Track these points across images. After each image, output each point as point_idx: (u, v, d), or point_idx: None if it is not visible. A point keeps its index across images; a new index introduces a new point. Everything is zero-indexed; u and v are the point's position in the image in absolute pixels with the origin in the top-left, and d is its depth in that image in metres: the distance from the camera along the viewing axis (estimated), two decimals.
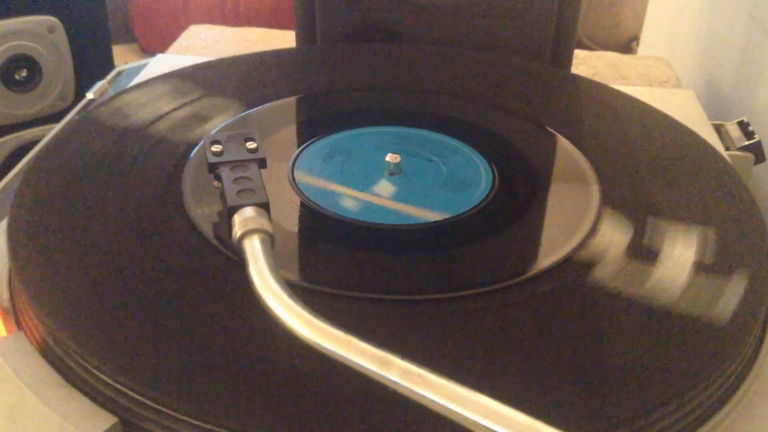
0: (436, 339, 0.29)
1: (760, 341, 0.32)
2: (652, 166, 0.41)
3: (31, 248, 0.33)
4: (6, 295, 0.34)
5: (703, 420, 0.28)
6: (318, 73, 0.52)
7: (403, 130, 0.45)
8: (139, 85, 0.49)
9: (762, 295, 0.32)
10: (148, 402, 0.26)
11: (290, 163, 0.40)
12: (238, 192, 0.33)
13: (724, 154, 0.45)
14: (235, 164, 0.35)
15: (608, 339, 0.29)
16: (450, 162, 0.41)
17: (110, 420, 0.27)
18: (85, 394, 0.28)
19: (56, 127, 0.50)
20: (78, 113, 0.52)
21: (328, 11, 0.55)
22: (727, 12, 0.68)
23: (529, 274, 0.33)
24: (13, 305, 0.33)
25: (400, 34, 0.56)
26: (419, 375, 0.24)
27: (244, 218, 0.31)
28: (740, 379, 0.30)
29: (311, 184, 0.39)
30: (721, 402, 0.29)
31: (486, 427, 0.22)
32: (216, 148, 0.36)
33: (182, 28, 0.75)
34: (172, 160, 0.40)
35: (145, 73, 0.56)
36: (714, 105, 0.67)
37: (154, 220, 0.35)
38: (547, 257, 0.34)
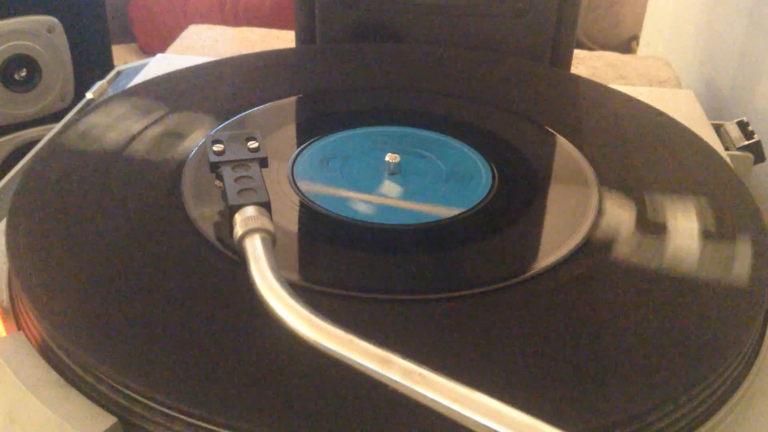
0: (436, 339, 0.29)
1: (760, 341, 0.32)
2: (651, 166, 0.41)
3: (30, 249, 0.33)
4: (6, 295, 0.34)
5: (703, 420, 0.28)
6: (318, 73, 0.52)
7: (403, 130, 0.45)
8: (139, 85, 0.49)
9: (761, 295, 0.32)
10: (147, 402, 0.26)
11: (290, 162, 0.40)
12: (240, 191, 0.33)
13: (724, 154, 0.45)
14: (237, 163, 0.35)
15: (608, 339, 0.29)
16: (449, 162, 0.41)
17: (110, 420, 0.27)
18: (85, 394, 0.28)
19: (56, 127, 0.50)
20: (77, 113, 0.52)
21: (328, 11, 0.55)
22: (727, 12, 0.68)
23: (529, 273, 0.33)
24: (13, 305, 0.33)
25: (400, 34, 0.56)
26: (420, 374, 0.24)
27: (246, 217, 0.31)
28: (740, 379, 0.30)
29: (311, 184, 0.39)
30: (721, 402, 0.29)
31: (486, 427, 0.22)
32: (218, 147, 0.36)
33: (182, 28, 0.75)
34: (173, 160, 0.40)
35: (144, 73, 0.56)
36: (714, 105, 0.67)
37: (154, 220, 0.35)
38: (547, 257, 0.34)
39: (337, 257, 0.34)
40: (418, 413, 0.24)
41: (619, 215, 0.37)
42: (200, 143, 0.41)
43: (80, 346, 0.28)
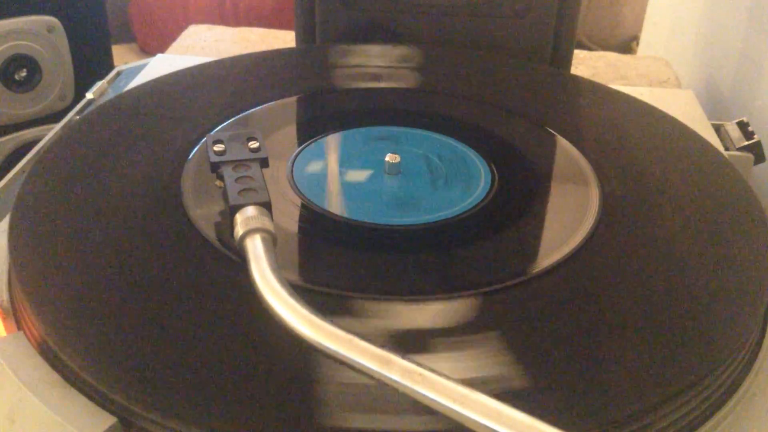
0: (437, 339, 0.29)
1: (760, 341, 0.32)
2: (652, 166, 0.41)
3: (31, 249, 0.33)
4: (6, 295, 0.34)
5: (703, 420, 0.28)
6: (318, 73, 0.52)
7: (403, 130, 0.45)
8: (139, 86, 0.49)
9: (762, 294, 0.32)
10: (147, 402, 0.26)
11: (290, 162, 0.41)
12: (240, 191, 0.33)
13: (724, 154, 0.45)
14: (238, 163, 0.35)
15: (608, 339, 0.29)
16: (449, 162, 0.41)
17: (110, 420, 0.27)
18: (85, 394, 0.28)
19: (56, 127, 0.50)
20: (78, 113, 0.52)
21: (328, 11, 0.55)
22: (727, 12, 0.68)
23: (529, 274, 0.33)
24: (13, 305, 0.33)
25: (400, 34, 0.56)
26: (420, 374, 0.24)
27: (246, 217, 0.31)
28: (740, 379, 0.30)
29: (311, 184, 0.39)
30: (721, 402, 0.29)
31: (486, 427, 0.22)
32: (218, 147, 0.36)
33: (182, 28, 0.75)
34: (172, 160, 0.40)
35: (144, 73, 0.56)
36: (714, 105, 0.67)
37: (154, 220, 0.35)
38: (547, 257, 0.34)
39: (337, 257, 0.34)
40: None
41: (619, 215, 0.37)
42: (201, 143, 0.41)
43: (80, 347, 0.28)
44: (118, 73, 0.57)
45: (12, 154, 0.74)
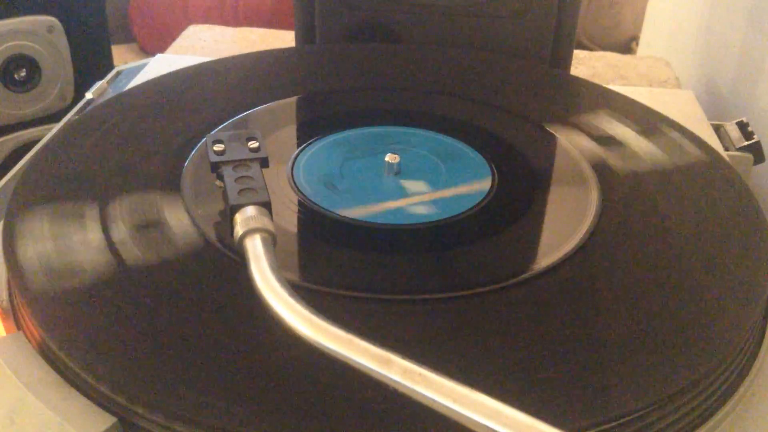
0: (436, 339, 0.29)
1: (760, 341, 0.32)
2: (651, 167, 0.41)
3: (28, 249, 0.33)
4: (5, 296, 0.34)
5: (703, 420, 0.28)
6: (318, 73, 0.52)
7: (403, 130, 0.45)
8: (139, 86, 0.49)
9: (761, 295, 0.32)
10: (147, 402, 0.26)
11: (290, 162, 0.41)
12: (240, 191, 0.33)
13: (724, 154, 0.45)
14: (238, 163, 0.35)
15: (607, 339, 0.29)
16: (449, 162, 0.41)
17: (110, 420, 0.27)
18: (85, 394, 0.28)
19: (56, 127, 0.50)
20: (77, 113, 0.52)
21: (328, 11, 0.55)
22: (727, 12, 0.68)
23: (529, 274, 0.33)
24: (13, 305, 0.33)
25: (400, 34, 0.56)
26: (420, 374, 0.24)
27: (246, 217, 0.31)
28: (740, 379, 0.30)
29: (311, 184, 0.39)
30: (721, 402, 0.29)
31: (486, 427, 0.22)
32: (218, 147, 0.36)
33: (182, 28, 0.75)
34: (172, 160, 0.40)
35: (144, 73, 0.56)
36: (713, 105, 0.67)
37: (154, 220, 0.35)
38: (547, 257, 0.34)
39: (337, 257, 0.34)
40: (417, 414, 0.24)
41: (619, 215, 0.37)
42: (201, 143, 0.41)
43: (80, 347, 0.28)
44: (118, 73, 0.57)
45: (12, 154, 0.74)
